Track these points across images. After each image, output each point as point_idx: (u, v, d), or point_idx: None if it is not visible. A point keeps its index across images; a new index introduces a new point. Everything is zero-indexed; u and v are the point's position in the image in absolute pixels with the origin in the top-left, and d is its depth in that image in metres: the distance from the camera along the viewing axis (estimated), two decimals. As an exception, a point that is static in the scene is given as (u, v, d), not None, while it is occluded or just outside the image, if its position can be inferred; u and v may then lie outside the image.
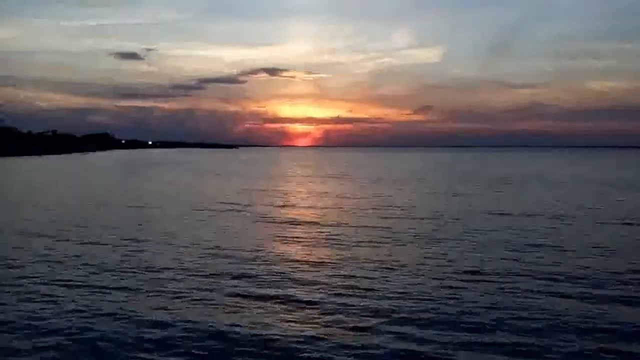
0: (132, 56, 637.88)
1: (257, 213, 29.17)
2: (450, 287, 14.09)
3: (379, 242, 20.28)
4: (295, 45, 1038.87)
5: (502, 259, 17.38)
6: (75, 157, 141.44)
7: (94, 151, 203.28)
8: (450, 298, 13.19)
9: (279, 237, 21.89)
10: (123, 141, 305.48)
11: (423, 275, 15.31)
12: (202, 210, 30.30)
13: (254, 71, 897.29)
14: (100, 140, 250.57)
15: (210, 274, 15.42)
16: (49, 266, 16.41)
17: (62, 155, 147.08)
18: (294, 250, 19.11)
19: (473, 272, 15.61)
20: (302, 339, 10.64)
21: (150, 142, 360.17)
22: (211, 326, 11.27)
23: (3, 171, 72.71)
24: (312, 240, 21.11)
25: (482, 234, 22.23)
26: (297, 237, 21.68)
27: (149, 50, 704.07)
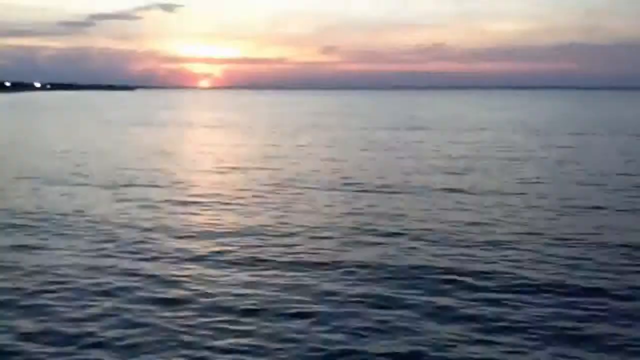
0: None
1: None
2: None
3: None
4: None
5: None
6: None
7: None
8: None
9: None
10: (8, 84, 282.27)
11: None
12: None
13: (148, 7, 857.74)
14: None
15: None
16: None
17: None
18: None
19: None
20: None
21: (38, 85, 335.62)
22: None
23: None
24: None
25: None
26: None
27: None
